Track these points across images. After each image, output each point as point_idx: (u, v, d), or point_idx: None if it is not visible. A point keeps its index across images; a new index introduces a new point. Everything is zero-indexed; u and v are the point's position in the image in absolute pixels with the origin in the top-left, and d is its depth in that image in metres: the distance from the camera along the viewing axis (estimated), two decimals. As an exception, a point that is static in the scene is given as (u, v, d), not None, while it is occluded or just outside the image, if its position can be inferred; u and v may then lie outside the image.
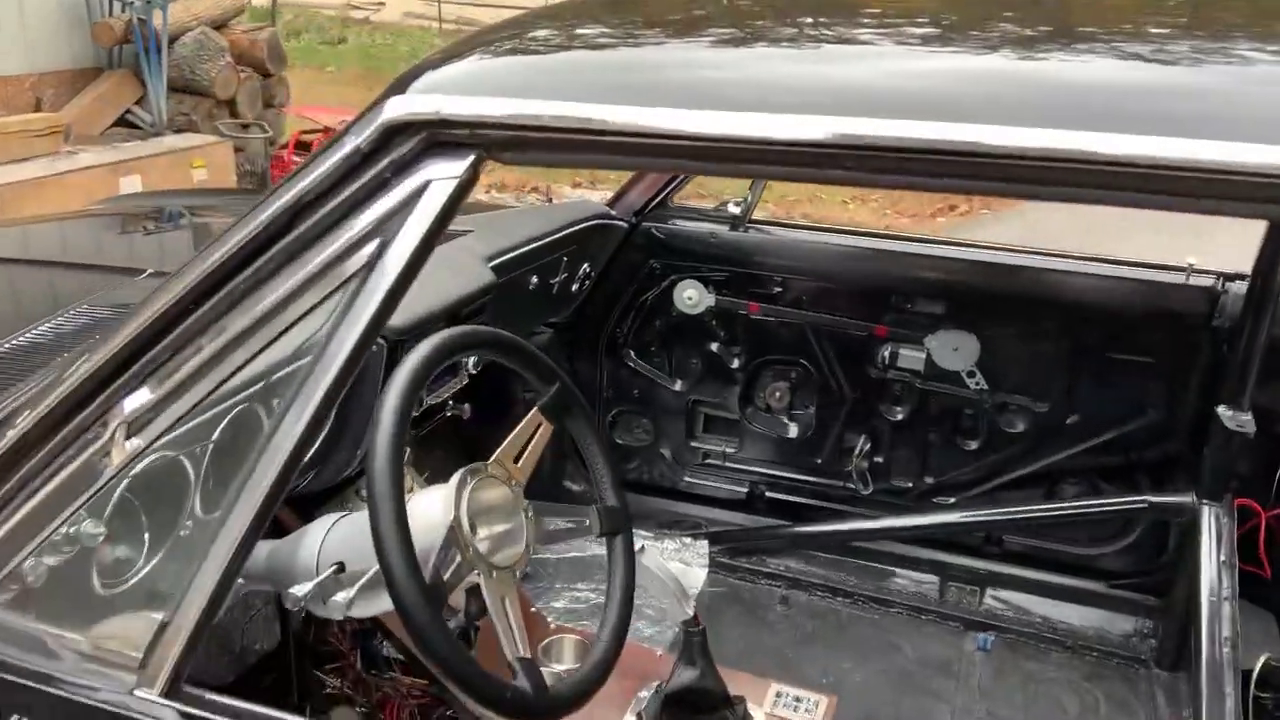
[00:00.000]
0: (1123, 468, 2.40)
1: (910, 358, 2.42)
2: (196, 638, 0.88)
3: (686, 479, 2.71)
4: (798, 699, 1.82)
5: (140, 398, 0.87)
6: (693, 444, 2.69)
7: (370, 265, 0.83)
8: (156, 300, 0.84)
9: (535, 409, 1.39)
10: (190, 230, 2.81)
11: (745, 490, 2.67)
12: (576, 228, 2.31)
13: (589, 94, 0.76)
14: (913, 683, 2.26)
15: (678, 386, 2.64)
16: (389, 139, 0.79)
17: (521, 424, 1.36)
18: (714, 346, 2.59)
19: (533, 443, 1.37)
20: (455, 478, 1.25)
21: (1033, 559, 2.48)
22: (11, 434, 0.87)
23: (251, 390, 0.94)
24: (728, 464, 2.68)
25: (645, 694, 1.80)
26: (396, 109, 0.79)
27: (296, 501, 1.72)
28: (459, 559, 1.18)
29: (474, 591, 1.36)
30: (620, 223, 2.51)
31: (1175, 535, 2.33)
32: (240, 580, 1.35)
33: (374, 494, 1.09)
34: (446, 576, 1.16)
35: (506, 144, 0.78)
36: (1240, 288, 2.16)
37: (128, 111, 6.63)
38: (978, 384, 2.40)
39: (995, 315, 2.38)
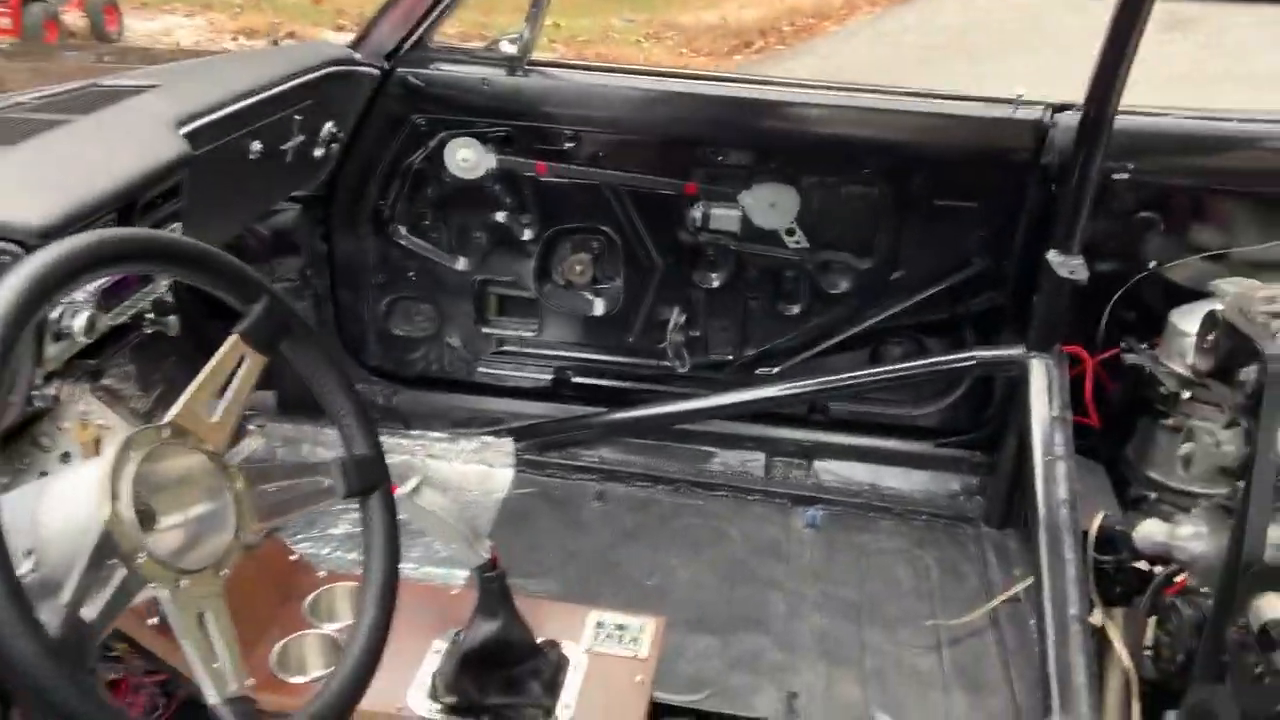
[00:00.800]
0: (948, 323, 2.24)
1: (724, 217, 2.13)
2: None
3: (481, 370, 2.36)
4: (620, 627, 1.56)
5: None
6: (484, 330, 2.33)
7: None
8: None
9: (234, 336, 0.99)
10: None
11: (549, 378, 2.35)
12: (307, 77, 1.83)
13: None
14: (743, 570, 2.07)
15: (461, 265, 2.26)
16: None
17: (213, 360, 0.97)
18: (500, 216, 2.20)
19: (235, 384, 0.98)
20: (109, 452, 0.85)
21: (858, 425, 2.32)
22: None
23: None
24: (527, 349, 2.35)
25: (441, 644, 1.50)
26: None
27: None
28: (121, 574, 0.81)
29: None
30: (368, 69, 2.04)
31: (1002, 388, 2.21)
32: None
33: None
34: (97, 611, 0.78)
35: None
36: (1071, 119, 1.96)
37: None
38: (797, 242, 2.14)
39: (813, 164, 2.11)
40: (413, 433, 2.35)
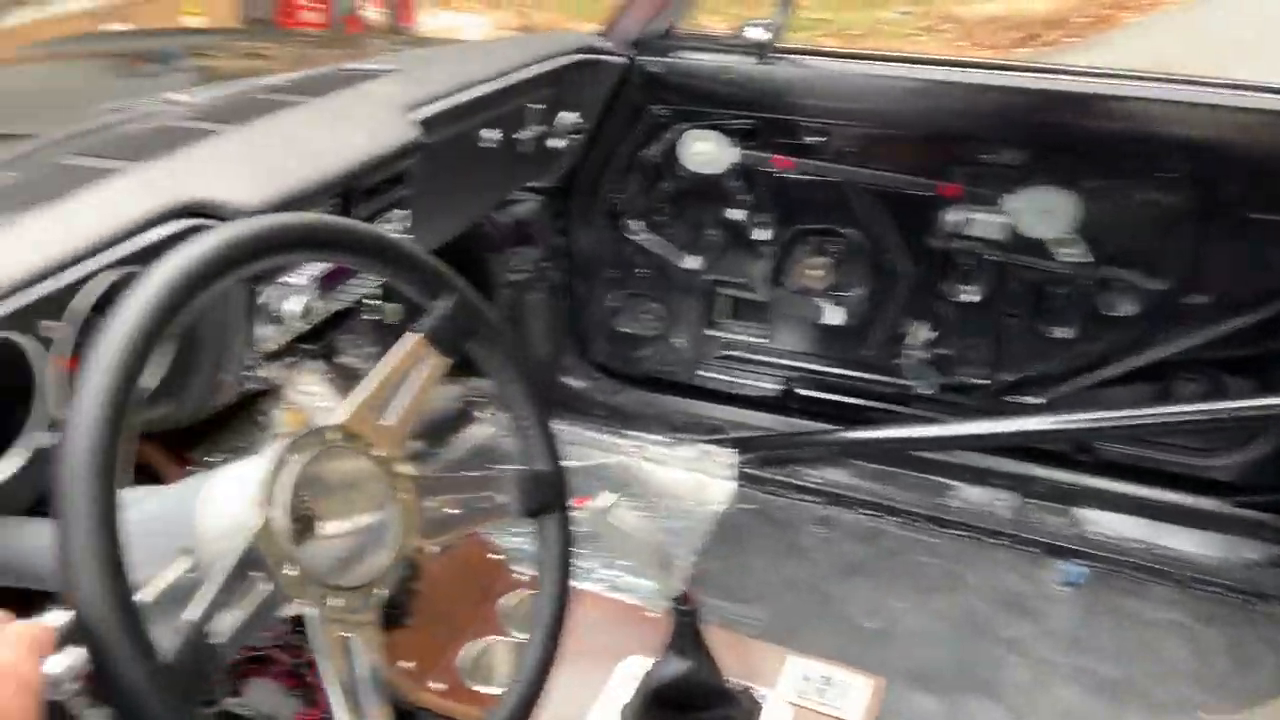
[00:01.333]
0: (1256, 361, 1.88)
1: (986, 223, 1.89)
2: None
3: (705, 374, 2.25)
4: (828, 680, 1.40)
5: None
6: (712, 333, 2.21)
7: None
8: None
9: (416, 335, 0.92)
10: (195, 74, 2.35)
11: (777, 388, 2.20)
12: (550, 66, 1.78)
13: None
14: (979, 624, 1.83)
15: (691, 264, 2.15)
16: None
17: (390, 360, 0.90)
18: (735, 214, 2.07)
19: (415, 387, 0.91)
20: (273, 449, 0.80)
21: (1133, 471, 2.00)
22: None
23: None
24: (755, 356, 2.21)
25: (631, 670, 1.40)
26: None
27: (163, 438, 1.31)
28: (263, 588, 0.75)
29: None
30: (614, 57, 1.97)
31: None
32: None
33: (61, 501, 0.66)
34: (230, 632, 0.72)
35: None
36: None
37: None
38: (1073, 255, 1.86)
39: (1100, 165, 1.83)
40: (632, 433, 2.28)
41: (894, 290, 2.03)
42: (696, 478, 2.22)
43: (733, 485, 2.18)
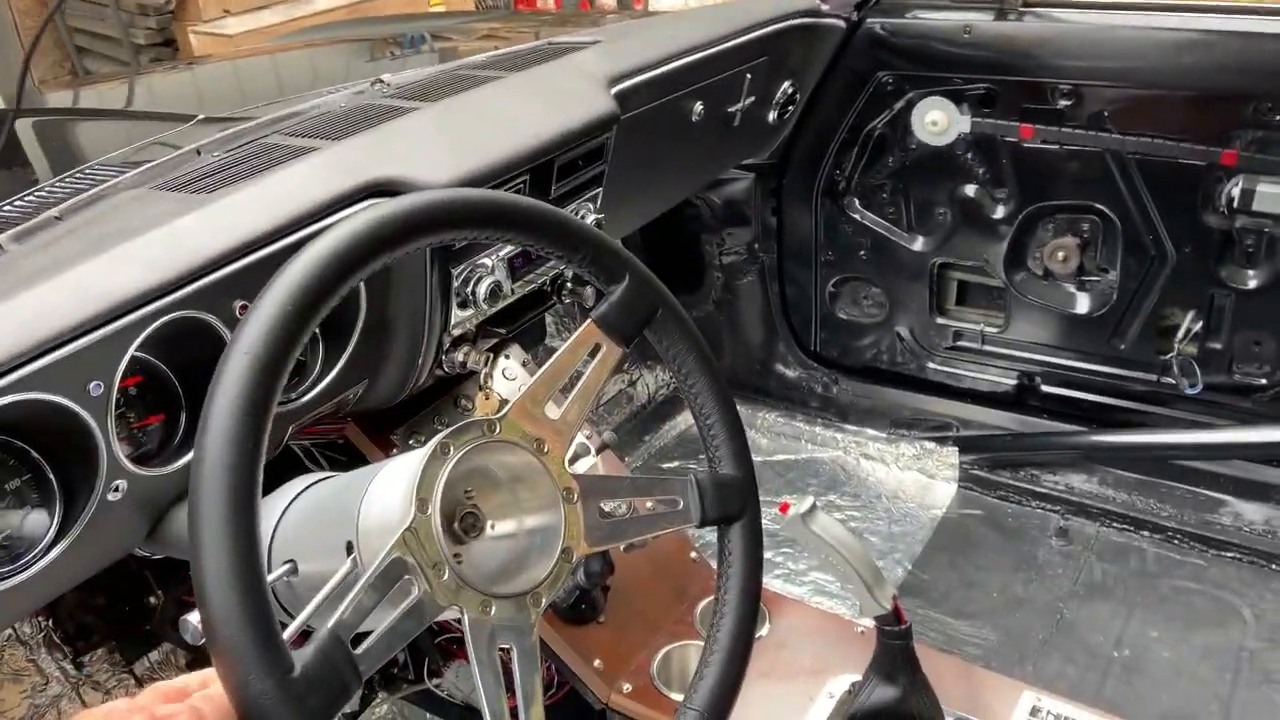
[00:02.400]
0: None
1: (1274, 196, 1.60)
2: None
3: (932, 366, 2.06)
4: (1063, 721, 1.21)
5: None
6: (940, 320, 2.02)
7: None
8: None
9: (588, 321, 0.84)
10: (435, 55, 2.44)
11: (1013, 383, 1.98)
12: (762, 31, 1.66)
13: None
14: (1254, 667, 1.57)
15: (918, 245, 1.97)
16: None
17: (563, 349, 0.83)
18: (968, 189, 1.87)
19: (587, 376, 0.84)
20: (429, 445, 0.75)
21: None
22: None
23: None
24: (988, 347, 2.00)
25: (835, 689, 1.28)
26: None
27: (367, 420, 1.32)
28: (413, 593, 0.69)
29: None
30: (834, 20, 1.82)
31: None
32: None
33: (197, 472, 0.62)
34: (371, 641, 0.67)
35: None
36: None
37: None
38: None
39: None
40: (849, 427, 2.13)
41: (1157, 275, 1.76)
42: (917, 478, 2.04)
43: (957, 487, 1.99)
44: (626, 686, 1.31)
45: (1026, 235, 1.87)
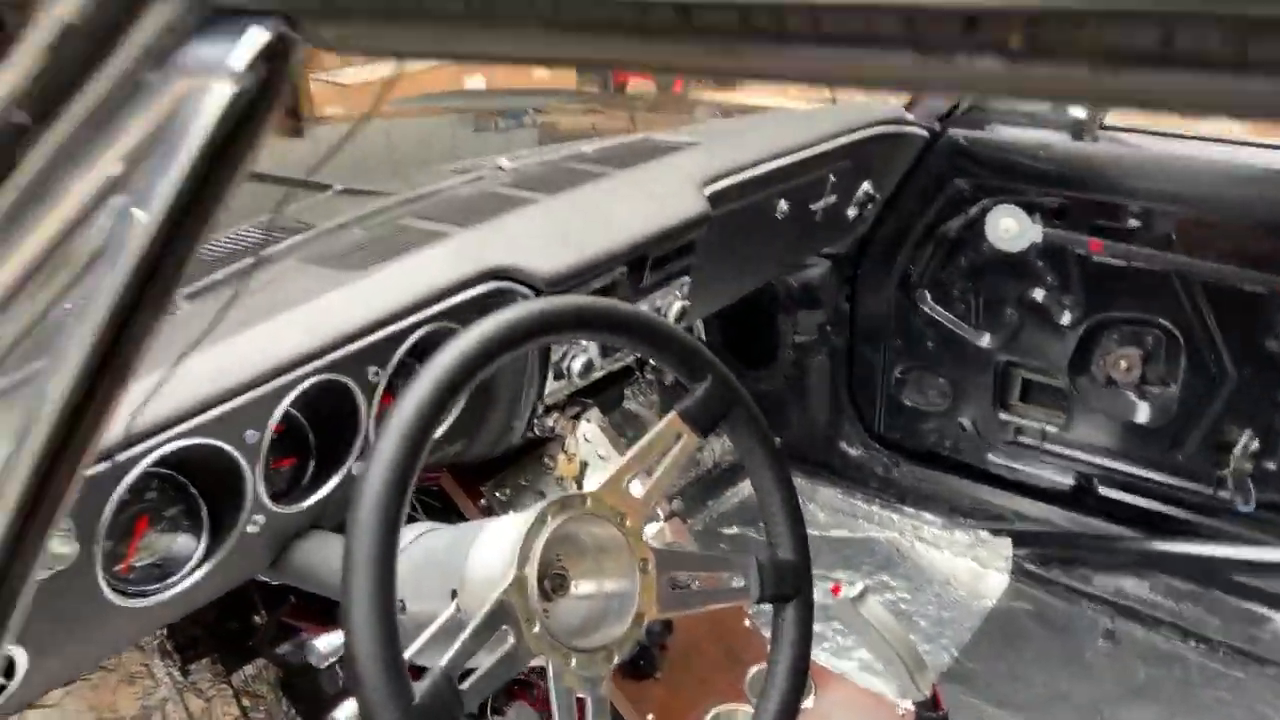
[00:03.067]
0: None
1: None
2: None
3: (992, 457, 2.13)
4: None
5: None
6: (1002, 415, 2.10)
7: (106, 248, 0.45)
8: None
9: (672, 413, 0.97)
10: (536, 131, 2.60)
11: (1070, 482, 2.04)
12: (850, 138, 1.78)
13: None
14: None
15: (985, 341, 2.05)
16: (130, 4, 0.40)
17: (648, 435, 0.95)
18: (1037, 294, 1.96)
19: (666, 462, 0.96)
20: (530, 512, 0.87)
21: None
22: None
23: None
24: (1048, 445, 2.06)
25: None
26: None
27: (460, 471, 1.45)
28: (509, 642, 0.82)
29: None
30: (918, 130, 1.94)
31: None
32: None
33: (350, 541, 0.75)
34: (474, 679, 0.79)
35: (327, 8, 0.37)
36: None
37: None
38: None
39: None
40: (907, 510, 2.21)
41: (1216, 392, 1.82)
42: (970, 566, 2.11)
43: (1009, 579, 2.05)
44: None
45: (1091, 342, 1.94)
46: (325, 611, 1.35)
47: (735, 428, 1.00)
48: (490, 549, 0.89)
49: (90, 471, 0.50)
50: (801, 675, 0.99)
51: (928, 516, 2.18)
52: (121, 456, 0.87)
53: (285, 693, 1.51)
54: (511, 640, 0.81)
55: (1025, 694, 1.79)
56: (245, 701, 1.51)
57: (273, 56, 0.40)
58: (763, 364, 2.32)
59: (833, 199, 1.82)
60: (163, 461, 0.93)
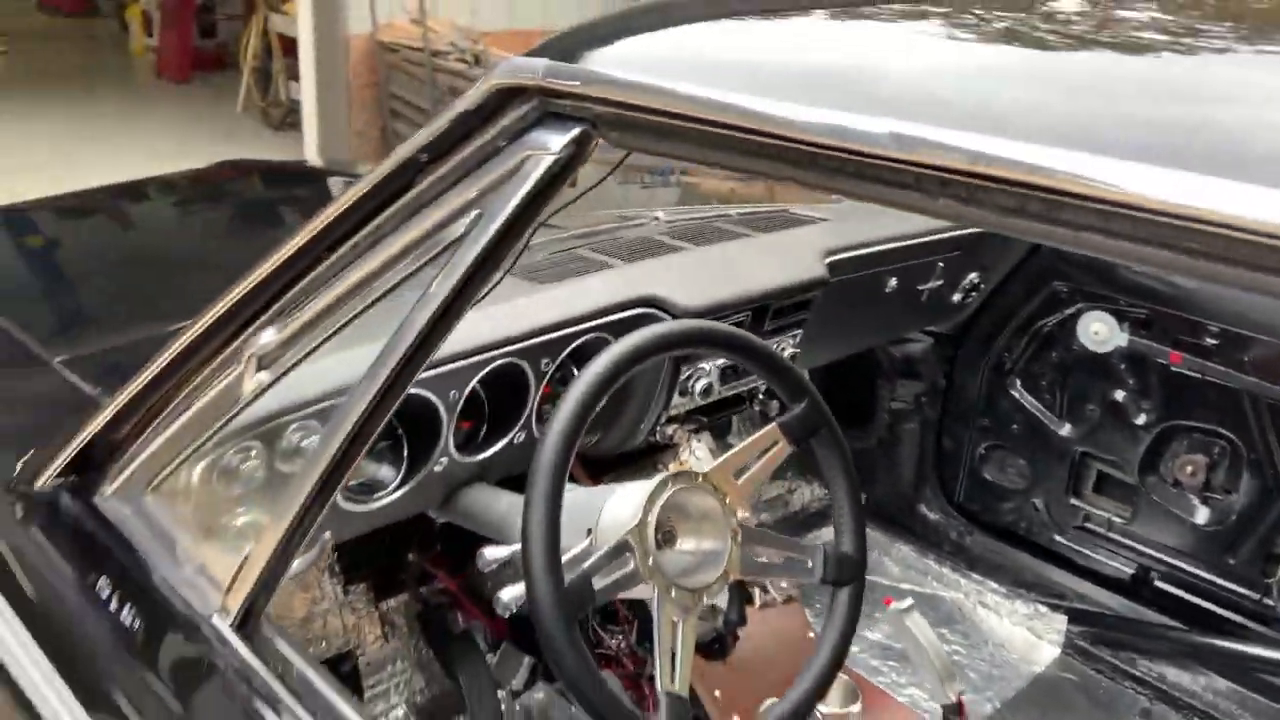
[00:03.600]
0: None
1: None
2: (268, 578, 0.91)
3: (1059, 539, 2.31)
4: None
5: (271, 334, 0.91)
6: (1073, 501, 2.29)
7: (464, 237, 0.76)
8: (292, 243, 0.87)
9: (773, 424, 1.24)
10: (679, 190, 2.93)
11: (1129, 571, 2.21)
12: (964, 232, 2.04)
13: (716, 79, 0.62)
14: None
15: (1065, 431, 2.25)
16: (501, 104, 0.71)
17: (755, 436, 1.23)
18: (1119, 394, 2.16)
19: (763, 461, 1.23)
20: (657, 478, 1.16)
21: None
22: (166, 354, 0.97)
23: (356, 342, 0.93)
24: (1113, 534, 2.24)
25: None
26: (507, 72, 0.71)
27: (591, 462, 1.75)
28: (630, 566, 1.10)
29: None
30: None
31: None
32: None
33: (533, 477, 1.05)
34: (603, 583, 1.08)
35: (613, 122, 0.66)
36: None
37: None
38: None
39: None
40: (974, 576, 2.40)
41: (1272, 506, 1.98)
42: (1025, 635, 2.29)
43: (1058, 652, 2.22)
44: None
45: (1162, 445, 2.13)
46: (459, 564, 1.66)
47: (822, 443, 1.26)
48: (622, 502, 1.17)
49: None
50: (843, 651, 1.24)
51: (992, 584, 2.37)
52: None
53: (420, 626, 1.81)
54: (631, 566, 1.10)
55: (1058, 753, 1.96)
56: (386, 627, 1.82)
57: (579, 144, 0.70)
58: (859, 424, 2.56)
59: (940, 282, 2.07)
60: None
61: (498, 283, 0.81)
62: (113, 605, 1.05)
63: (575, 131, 0.69)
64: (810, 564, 1.24)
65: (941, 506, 2.48)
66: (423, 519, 1.52)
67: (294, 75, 6.36)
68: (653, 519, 1.12)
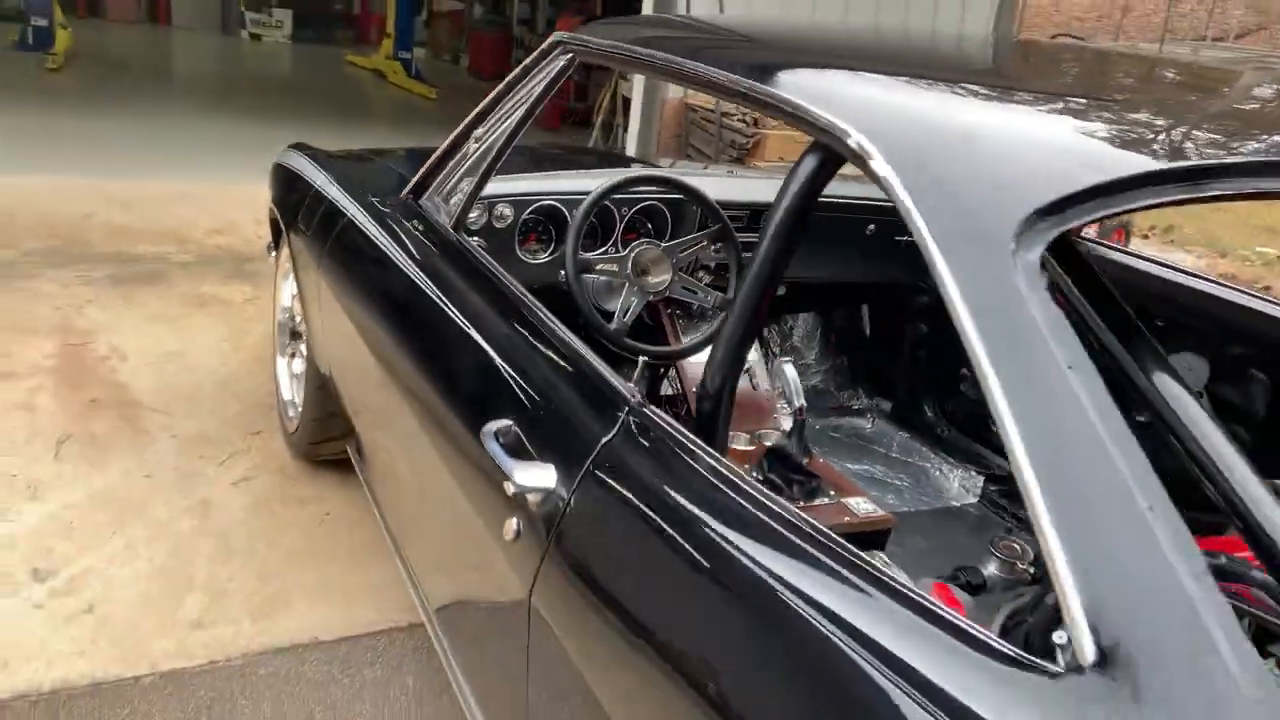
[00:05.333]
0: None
1: None
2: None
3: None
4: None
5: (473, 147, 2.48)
6: None
7: (531, 91, 2.24)
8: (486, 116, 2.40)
9: (704, 234, 2.62)
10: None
11: None
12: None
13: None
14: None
15: None
16: (553, 47, 2.17)
17: (694, 236, 2.61)
18: None
19: (694, 249, 2.61)
20: (642, 243, 2.58)
21: None
22: (442, 148, 2.57)
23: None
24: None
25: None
26: (555, 38, 2.18)
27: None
28: (615, 268, 2.53)
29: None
30: None
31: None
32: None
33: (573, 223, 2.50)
34: (601, 267, 2.51)
35: (579, 50, 2.09)
36: None
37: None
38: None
39: None
40: (945, 455, 3.49)
41: None
42: (951, 483, 3.35)
43: (975, 500, 3.27)
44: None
45: None
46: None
47: (727, 247, 2.62)
48: (613, 257, 2.61)
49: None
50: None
51: (952, 459, 3.44)
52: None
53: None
54: (615, 268, 2.52)
55: None
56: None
57: (570, 60, 2.18)
58: (892, 349, 3.73)
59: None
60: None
61: (531, 119, 2.27)
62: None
63: (569, 56, 2.13)
64: (710, 300, 2.59)
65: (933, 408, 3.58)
66: None
67: (626, 126, 8.34)
68: (632, 256, 2.54)
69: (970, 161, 1.20)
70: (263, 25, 14.90)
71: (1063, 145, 1.26)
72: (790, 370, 2.43)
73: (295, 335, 3.46)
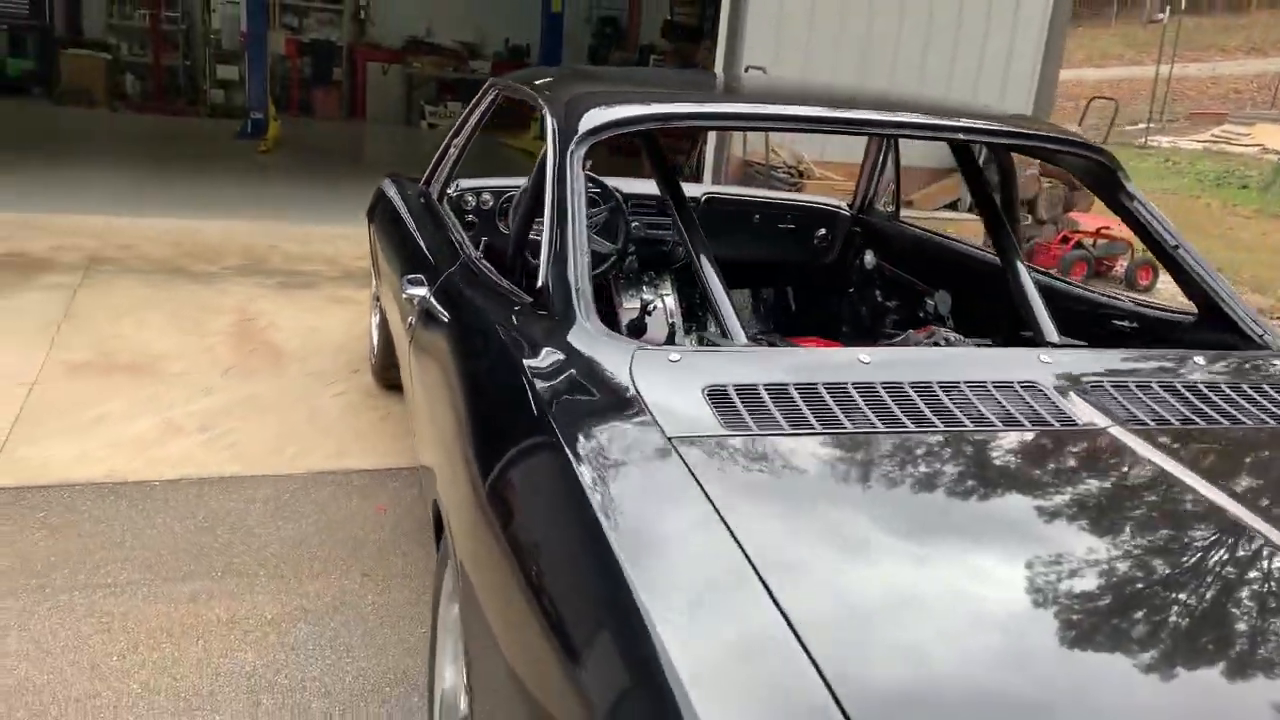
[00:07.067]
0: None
1: None
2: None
3: None
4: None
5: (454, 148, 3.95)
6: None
7: (474, 119, 3.68)
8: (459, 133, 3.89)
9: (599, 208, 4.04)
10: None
11: None
12: (824, 206, 4.54)
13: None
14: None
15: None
16: (490, 86, 3.63)
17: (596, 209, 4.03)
18: (878, 294, 4.44)
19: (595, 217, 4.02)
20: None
21: None
22: (439, 150, 4.08)
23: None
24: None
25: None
26: (492, 83, 3.63)
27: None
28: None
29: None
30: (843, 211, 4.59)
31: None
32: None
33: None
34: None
35: (505, 90, 3.55)
36: None
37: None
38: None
39: None
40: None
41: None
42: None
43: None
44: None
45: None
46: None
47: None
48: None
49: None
50: None
51: None
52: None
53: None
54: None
55: None
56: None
57: (495, 98, 3.67)
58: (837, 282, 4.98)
59: (823, 231, 4.57)
60: None
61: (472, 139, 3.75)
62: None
63: (494, 94, 3.58)
64: (603, 248, 3.97)
65: None
66: None
67: (702, 176, 9.82)
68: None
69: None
70: (438, 116, 17.38)
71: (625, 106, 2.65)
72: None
73: (377, 299, 5.08)
